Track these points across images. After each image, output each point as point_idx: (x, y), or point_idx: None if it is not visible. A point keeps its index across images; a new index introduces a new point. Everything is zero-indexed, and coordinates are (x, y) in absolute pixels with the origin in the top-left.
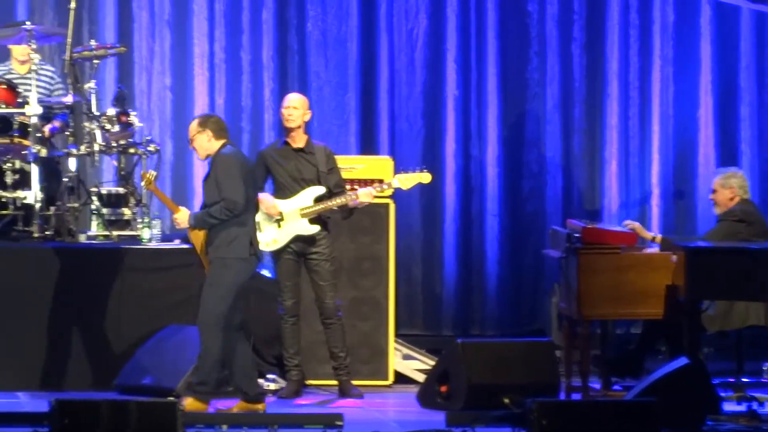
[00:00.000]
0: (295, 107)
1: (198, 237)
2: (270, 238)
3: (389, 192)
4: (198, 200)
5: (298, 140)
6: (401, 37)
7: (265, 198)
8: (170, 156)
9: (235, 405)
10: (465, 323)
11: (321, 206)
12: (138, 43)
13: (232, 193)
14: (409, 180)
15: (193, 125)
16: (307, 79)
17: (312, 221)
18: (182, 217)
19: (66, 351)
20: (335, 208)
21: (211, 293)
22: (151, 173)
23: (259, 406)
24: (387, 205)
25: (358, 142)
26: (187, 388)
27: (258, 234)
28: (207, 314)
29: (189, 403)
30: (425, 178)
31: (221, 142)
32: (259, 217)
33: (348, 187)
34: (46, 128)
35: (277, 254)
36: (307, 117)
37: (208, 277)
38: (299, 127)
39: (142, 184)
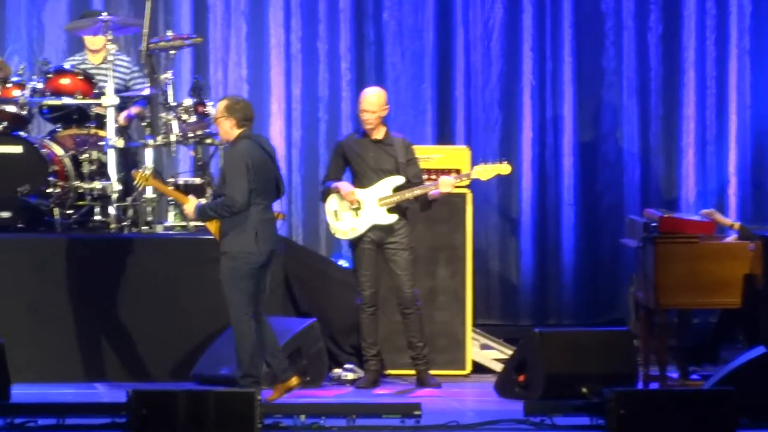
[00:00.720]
0: (373, 111)
1: (213, 227)
2: (348, 226)
3: (467, 182)
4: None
5: (377, 132)
6: (477, 27)
7: (344, 185)
8: None
9: (273, 392)
10: (542, 313)
11: (399, 196)
12: (213, 34)
13: (233, 191)
14: (488, 171)
15: (221, 107)
16: (384, 70)
17: (390, 211)
18: (189, 208)
19: (143, 341)
20: (414, 198)
21: (228, 287)
22: (146, 169)
23: (293, 381)
24: (464, 195)
25: (434, 132)
26: (235, 383)
27: (335, 223)
28: (232, 308)
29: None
30: (504, 169)
31: (241, 130)
32: (336, 204)
33: (425, 177)
34: (122, 115)
35: (354, 244)
36: (384, 113)
37: (221, 271)
38: (377, 125)
39: (135, 183)
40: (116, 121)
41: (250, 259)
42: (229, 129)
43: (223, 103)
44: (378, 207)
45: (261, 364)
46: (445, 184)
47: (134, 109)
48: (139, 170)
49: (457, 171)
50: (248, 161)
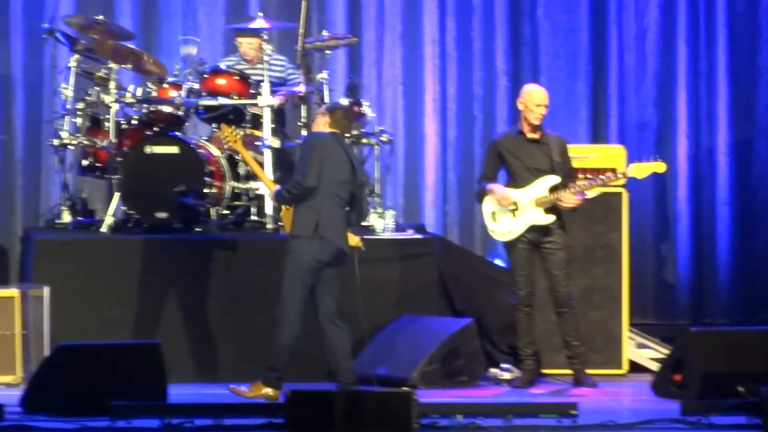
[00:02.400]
0: (546, 105)
1: (286, 216)
2: (505, 228)
3: (623, 181)
4: (429, 195)
5: (533, 131)
6: (631, 27)
7: (498, 188)
8: (402, 146)
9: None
10: (698, 312)
11: (555, 196)
12: (367, 34)
13: (304, 167)
14: (643, 169)
15: (323, 107)
16: (538, 68)
17: (547, 211)
18: (270, 192)
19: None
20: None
21: (284, 277)
22: (238, 132)
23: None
24: (620, 194)
25: (587, 131)
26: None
27: (492, 224)
28: (282, 298)
29: (257, 388)
30: (660, 167)
31: (331, 131)
32: (493, 206)
33: (581, 176)
34: (277, 96)
35: (511, 244)
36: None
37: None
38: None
39: (223, 136)
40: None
41: (311, 250)
42: (321, 126)
43: (325, 105)
44: (534, 207)
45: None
46: (569, 199)
47: (277, 100)
48: (233, 127)
49: (613, 170)
50: (325, 150)
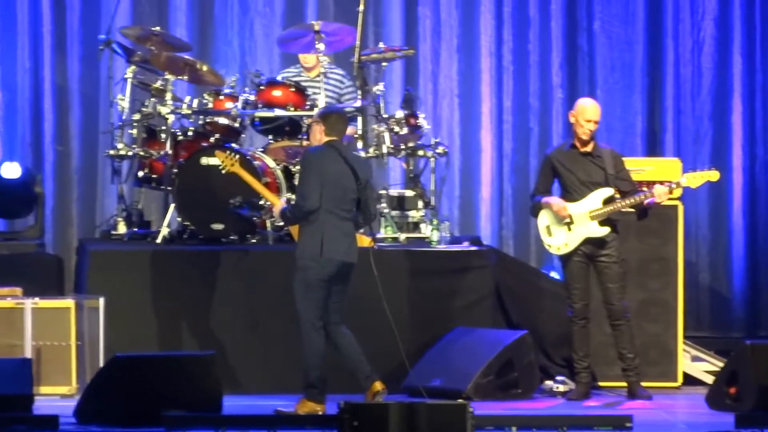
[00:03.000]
0: (597, 121)
1: (294, 232)
2: (561, 241)
3: (678, 192)
4: (485, 207)
5: (586, 144)
6: (687, 40)
7: (555, 201)
8: (458, 158)
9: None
10: (753, 324)
11: (611, 207)
12: (423, 46)
13: (304, 188)
14: (697, 178)
15: (315, 114)
16: (595, 81)
17: (602, 223)
18: (276, 210)
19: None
20: (628, 208)
21: (297, 296)
22: (234, 153)
23: (377, 386)
24: (675, 206)
25: (643, 143)
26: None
27: (548, 238)
28: (299, 318)
29: (304, 405)
30: (713, 176)
31: (329, 138)
32: (548, 220)
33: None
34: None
35: (566, 257)
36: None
37: (294, 281)
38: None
39: (219, 166)
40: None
41: (316, 267)
42: (318, 134)
43: (320, 108)
44: (590, 220)
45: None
46: (661, 193)
47: (349, 130)
48: (226, 151)
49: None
50: (322, 166)
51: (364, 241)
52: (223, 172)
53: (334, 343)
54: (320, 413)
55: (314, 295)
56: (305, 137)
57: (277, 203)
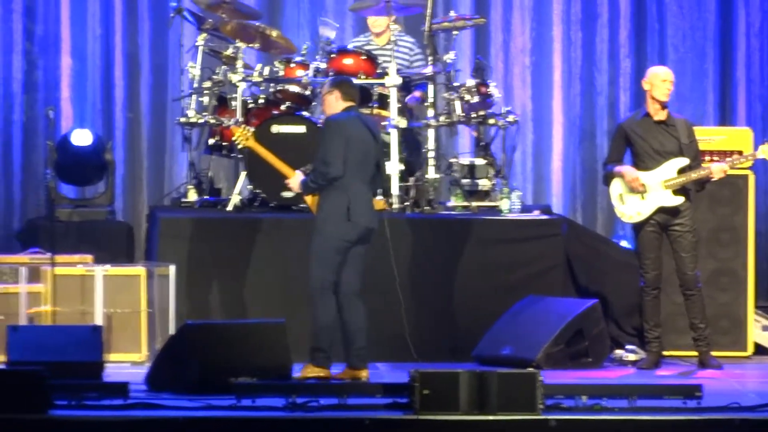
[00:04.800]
0: (672, 82)
1: (311, 202)
2: (633, 210)
3: (749, 163)
4: (556, 176)
5: (660, 113)
6: (757, 10)
7: (628, 170)
8: (529, 127)
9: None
10: None
11: (684, 178)
12: (495, 14)
13: (328, 155)
14: None
15: (326, 84)
16: (665, 50)
17: (676, 192)
18: (294, 182)
19: (423, 322)
20: (697, 179)
21: (311, 259)
22: (248, 129)
23: (362, 374)
24: (746, 176)
25: (715, 113)
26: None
27: (620, 206)
28: (311, 279)
29: (308, 369)
30: None
31: (346, 104)
32: (621, 188)
33: (707, 158)
34: (406, 98)
35: (639, 227)
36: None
37: (311, 242)
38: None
39: (234, 139)
40: (400, 102)
41: (341, 232)
42: (333, 102)
43: (328, 81)
44: (663, 189)
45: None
46: (718, 171)
47: (417, 93)
48: (241, 126)
49: (740, 152)
50: (346, 132)
51: (378, 203)
52: (239, 146)
53: (343, 311)
54: (326, 378)
55: (335, 260)
56: (376, 105)
57: (292, 175)
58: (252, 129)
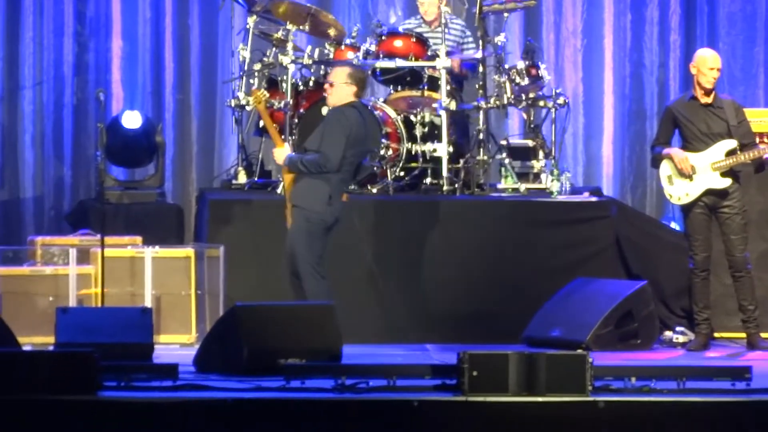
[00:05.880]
0: (719, 69)
1: (288, 178)
2: (682, 191)
3: None
4: (606, 158)
5: (706, 96)
6: None
7: (676, 152)
8: (580, 109)
9: None
10: None
11: (733, 160)
12: None
13: (330, 150)
14: None
15: (343, 74)
16: (716, 33)
17: (724, 174)
18: (279, 154)
19: (471, 304)
20: (747, 161)
21: (301, 245)
22: (263, 92)
23: None
24: None
25: (765, 95)
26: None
27: (669, 187)
28: (302, 262)
29: None
30: None
31: (355, 100)
32: (670, 170)
33: (757, 140)
34: (457, 61)
35: (687, 209)
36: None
37: (292, 226)
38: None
39: (251, 99)
40: (451, 66)
41: (323, 219)
42: (346, 96)
43: (345, 70)
44: (711, 171)
45: None
46: None
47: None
48: (260, 90)
49: None
50: (350, 131)
51: (344, 196)
52: (248, 108)
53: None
54: None
55: (317, 244)
56: (426, 87)
57: (282, 147)
58: (267, 95)
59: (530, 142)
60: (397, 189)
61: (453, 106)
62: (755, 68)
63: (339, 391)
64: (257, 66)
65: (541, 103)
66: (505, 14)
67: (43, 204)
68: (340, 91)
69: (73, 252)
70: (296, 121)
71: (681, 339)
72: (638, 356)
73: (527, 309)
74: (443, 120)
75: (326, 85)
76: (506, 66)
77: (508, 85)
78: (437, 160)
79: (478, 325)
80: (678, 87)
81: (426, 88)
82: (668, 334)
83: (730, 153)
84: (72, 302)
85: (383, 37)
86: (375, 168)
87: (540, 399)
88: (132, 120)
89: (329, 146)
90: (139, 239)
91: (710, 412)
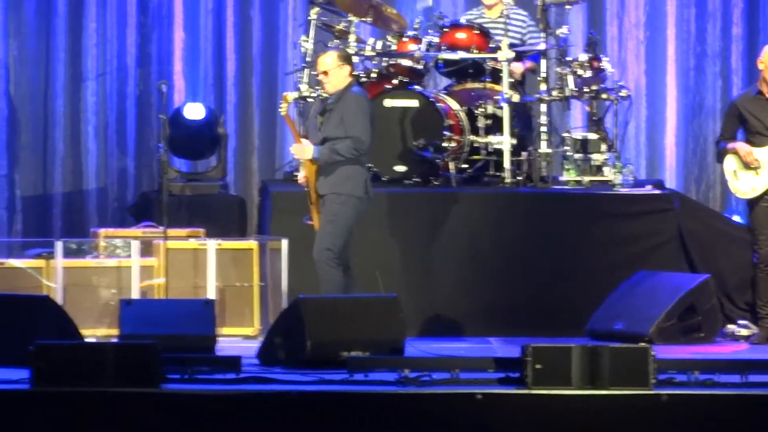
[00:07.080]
0: None
1: (311, 171)
2: (748, 186)
3: None
4: (669, 150)
5: None
6: None
7: (742, 146)
8: (643, 102)
9: None
10: None
11: None
12: None
13: (361, 132)
14: None
15: (333, 58)
16: None
17: None
18: (303, 149)
19: (535, 297)
20: None
21: (329, 229)
22: (290, 95)
23: None
24: None
25: None
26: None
27: (735, 182)
28: (322, 250)
29: None
30: None
31: (351, 79)
32: (735, 164)
33: None
34: (517, 66)
35: (752, 202)
36: None
37: (325, 213)
38: None
39: (282, 104)
40: (510, 72)
41: (359, 205)
42: (343, 77)
43: (333, 54)
44: None
45: None
46: None
47: (528, 63)
48: (289, 94)
49: None
50: (369, 109)
51: None
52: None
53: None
54: None
55: (346, 231)
56: (488, 79)
57: (300, 143)
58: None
59: (593, 135)
60: (460, 181)
61: (516, 98)
62: None
63: (402, 384)
64: None
65: (604, 96)
66: (567, 6)
67: (107, 196)
68: (337, 75)
69: (136, 244)
70: None
71: (744, 332)
72: (701, 350)
73: (590, 302)
74: (505, 112)
75: (320, 76)
76: (568, 58)
77: (570, 77)
78: (500, 153)
79: (542, 317)
80: (741, 80)
81: (489, 80)
82: (731, 327)
83: None
84: (135, 294)
85: (445, 29)
86: (437, 160)
87: (603, 392)
88: (195, 111)
89: (356, 128)
90: (201, 231)
91: None
